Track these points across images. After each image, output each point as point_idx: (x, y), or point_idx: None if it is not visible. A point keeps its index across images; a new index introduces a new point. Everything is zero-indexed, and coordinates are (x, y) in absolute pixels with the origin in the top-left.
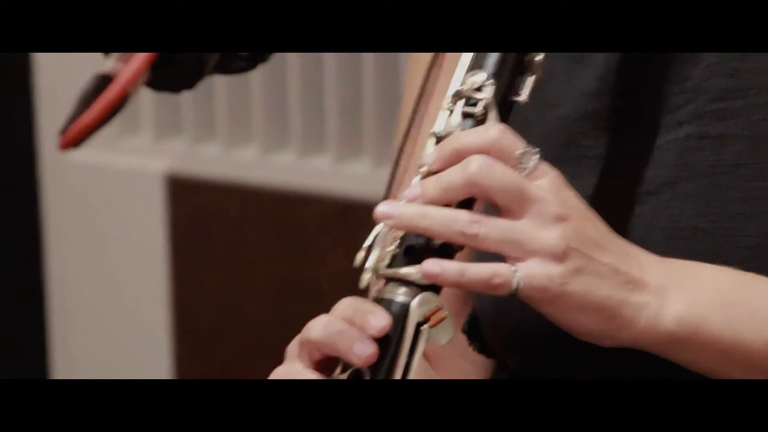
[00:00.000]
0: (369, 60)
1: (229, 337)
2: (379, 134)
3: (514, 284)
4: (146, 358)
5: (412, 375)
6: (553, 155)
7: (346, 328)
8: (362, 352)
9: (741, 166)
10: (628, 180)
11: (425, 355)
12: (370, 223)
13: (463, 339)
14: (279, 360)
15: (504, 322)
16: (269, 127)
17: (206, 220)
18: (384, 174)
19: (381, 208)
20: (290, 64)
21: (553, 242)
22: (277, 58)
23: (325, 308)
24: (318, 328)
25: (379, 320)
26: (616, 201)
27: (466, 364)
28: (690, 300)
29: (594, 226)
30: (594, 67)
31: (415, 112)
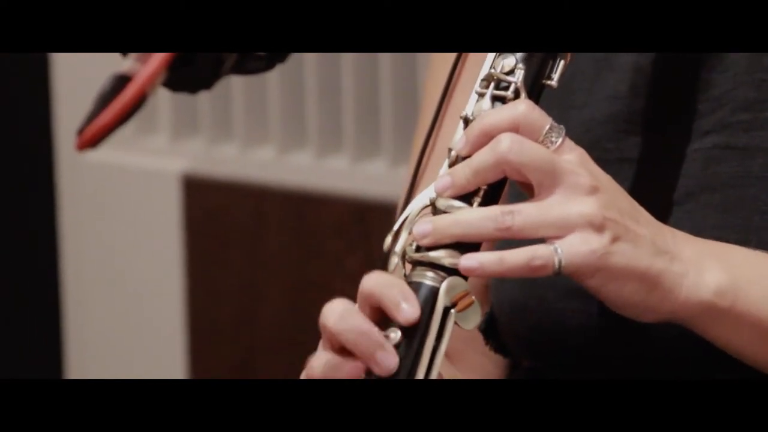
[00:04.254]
0: (386, 60)
1: (243, 337)
2: (396, 134)
3: (556, 263)
4: (161, 358)
5: (439, 359)
6: None
7: (367, 328)
8: (385, 364)
9: (766, 178)
10: (654, 188)
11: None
12: (387, 224)
13: (480, 335)
14: (293, 360)
15: (520, 322)
16: (286, 127)
17: (222, 221)
18: (401, 174)
19: (417, 229)
20: (307, 64)
21: (590, 212)
22: (295, 58)
23: None
24: (335, 317)
25: (412, 312)
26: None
27: (485, 360)
28: (728, 272)
29: (626, 198)
30: (620, 70)
31: (439, 110)
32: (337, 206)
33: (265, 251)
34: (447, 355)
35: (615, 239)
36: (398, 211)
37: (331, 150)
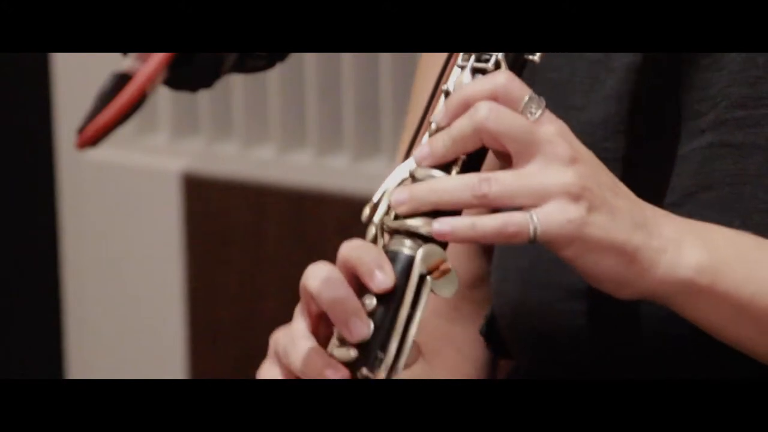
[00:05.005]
0: (386, 59)
1: (244, 336)
2: (396, 133)
3: (531, 231)
4: (161, 357)
5: (414, 328)
6: None
7: (344, 294)
8: (356, 331)
9: (763, 176)
10: (653, 187)
11: (418, 348)
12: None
13: (458, 333)
14: None
15: (521, 324)
16: (286, 126)
17: (223, 219)
18: None
19: (395, 197)
20: (308, 62)
21: (568, 181)
22: (295, 57)
23: None
24: (317, 281)
25: (385, 280)
26: None
27: (459, 357)
28: (708, 250)
29: (605, 171)
30: (616, 71)
31: (426, 113)
32: (337, 205)
33: (265, 250)
34: (423, 353)
35: (592, 209)
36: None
37: (332, 149)
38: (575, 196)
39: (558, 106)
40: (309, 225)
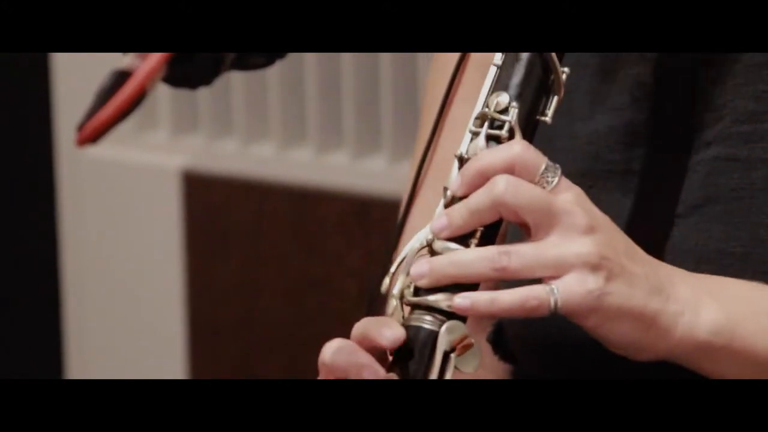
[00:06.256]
0: (386, 56)
1: (244, 334)
2: (396, 131)
3: (552, 304)
4: (161, 354)
5: None
6: (581, 168)
7: (364, 360)
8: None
9: None
10: (659, 200)
11: None
12: (388, 220)
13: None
14: (294, 358)
15: (529, 334)
16: (286, 123)
17: (222, 217)
18: (402, 170)
19: (414, 270)
20: (308, 60)
21: (587, 252)
22: (295, 54)
23: (341, 306)
24: (329, 351)
25: (393, 332)
26: (646, 223)
27: (479, 368)
28: (724, 309)
29: (621, 237)
30: (621, 82)
31: (439, 117)
32: (338, 202)
33: (265, 247)
34: None
35: (611, 278)
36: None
37: (332, 146)
38: (594, 266)
39: (563, 116)
40: (309, 222)
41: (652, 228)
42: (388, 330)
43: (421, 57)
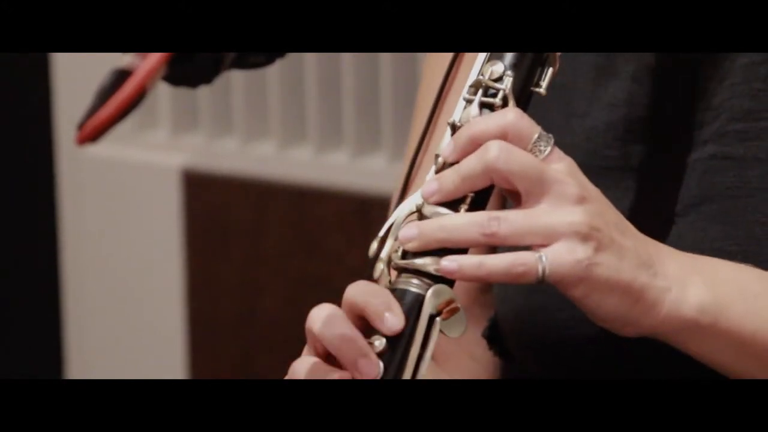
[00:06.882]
0: (386, 56)
1: (244, 333)
2: (396, 129)
3: (540, 271)
4: (161, 353)
5: (424, 368)
6: (578, 164)
7: (350, 334)
8: (366, 372)
9: (765, 190)
10: (656, 198)
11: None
12: (387, 219)
13: (470, 337)
14: (294, 357)
15: (524, 331)
16: (286, 122)
17: (222, 216)
18: (401, 170)
19: (403, 234)
20: (308, 59)
21: (577, 221)
22: (295, 54)
23: (341, 304)
24: (320, 322)
25: (396, 322)
26: (643, 220)
27: (472, 363)
28: (711, 288)
29: (612, 210)
30: (619, 78)
31: (433, 112)
32: (338, 201)
33: (266, 246)
34: (435, 357)
35: (600, 249)
36: (389, 214)
37: (332, 145)
38: (584, 236)
39: (561, 111)
40: (309, 221)
41: (650, 225)
42: (390, 315)
43: (421, 57)
